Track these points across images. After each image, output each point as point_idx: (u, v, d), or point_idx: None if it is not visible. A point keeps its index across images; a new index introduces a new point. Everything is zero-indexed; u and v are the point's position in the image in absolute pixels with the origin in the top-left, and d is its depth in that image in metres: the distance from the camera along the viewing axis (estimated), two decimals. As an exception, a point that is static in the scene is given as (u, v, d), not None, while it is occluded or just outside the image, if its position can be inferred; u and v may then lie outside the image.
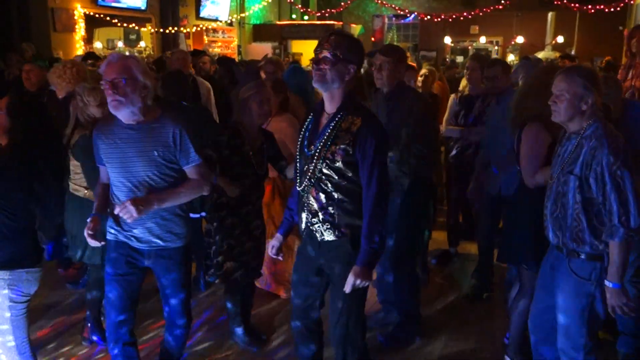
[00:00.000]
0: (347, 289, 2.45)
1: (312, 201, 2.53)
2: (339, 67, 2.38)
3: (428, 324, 3.96)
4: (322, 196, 2.49)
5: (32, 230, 2.68)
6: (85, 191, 3.38)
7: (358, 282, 2.43)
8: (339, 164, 2.43)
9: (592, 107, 2.47)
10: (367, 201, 2.43)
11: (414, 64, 6.49)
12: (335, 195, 2.47)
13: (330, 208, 2.49)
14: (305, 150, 2.54)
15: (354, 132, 2.40)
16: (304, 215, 2.59)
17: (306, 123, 2.61)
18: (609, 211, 2.41)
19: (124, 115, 2.59)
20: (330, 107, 2.49)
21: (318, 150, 2.45)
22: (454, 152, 4.85)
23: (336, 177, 2.45)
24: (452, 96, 5.04)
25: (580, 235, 2.53)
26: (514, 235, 3.19)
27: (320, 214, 2.52)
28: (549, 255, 2.78)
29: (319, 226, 2.54)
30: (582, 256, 2.54)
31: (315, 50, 2.44)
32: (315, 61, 2.42)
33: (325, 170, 2.46)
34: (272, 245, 2.86)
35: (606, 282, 2.46)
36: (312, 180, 2.50)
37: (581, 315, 2.58)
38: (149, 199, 2.61)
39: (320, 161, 2.45)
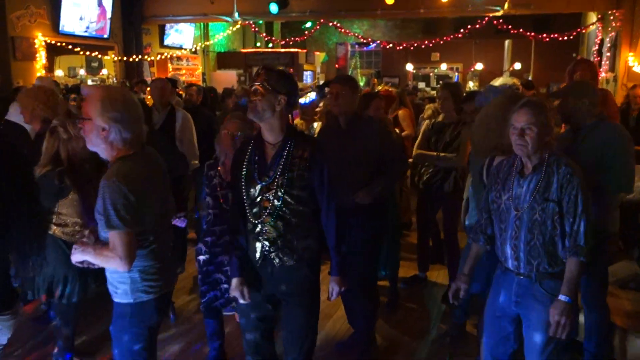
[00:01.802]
0: (333, 297, 2.72)
1: (270, 230, 2.58)
2: (268, 97, 2.51)
3: (396, 348, 3.97)
4: (280, 224, 2.57)
5: (3, 277, 2.50)
6: (55, 228, 3.23)
7: (339, 289, 2.70)
8: (296, 191, 2.55)
9: (552, 137, 2.62)
10: (329, 218, 2.63)
11: (392, 90, 6.64)
12: (293, 220, 2.58)
13: (288, 234, 2.59)
14: (258, 180, 2.58)
15: (306, 158, 2.56)
16: (258, 245, 2.62)
17: (247, 155, 2.64)
18: (575, 231, 2.54)
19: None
20: (272, 138, 2.60)
21: (276, 179, 2.53)
22: (424, 177, 4.92)
23: (293, 203, 2.56)
24: (426, 122, 5.15)
25: (554, 258, 2.62)
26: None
27: (278, 241, 2.59)
28: (504, 286, 2.79)
29: (276, 253, 2.60)
30: (556, 276, 2.62)
31: (248, 86, 2.55)
32: (248, 94, 2.58)
33: (286, 198, 2.54)
34: (235, 294, 2.71)
35: (561, 297, 2.55)
36: (270, 209, 2.55)
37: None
38: (83, 246, 2.44)
39: (280, 189, 2.53)
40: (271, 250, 2.61)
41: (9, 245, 2.45)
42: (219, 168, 3.52)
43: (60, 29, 11.80)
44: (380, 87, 5.86)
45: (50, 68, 12.09)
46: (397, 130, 5.94)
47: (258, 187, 2.57)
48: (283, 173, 2.54)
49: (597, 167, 3.28)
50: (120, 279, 2.46)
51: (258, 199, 2.58)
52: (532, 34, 13.74)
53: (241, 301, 2.71)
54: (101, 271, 2.51)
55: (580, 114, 3.41)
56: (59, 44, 11.80)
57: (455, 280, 2.96)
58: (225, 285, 3.49)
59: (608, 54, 11.79)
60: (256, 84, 2.54)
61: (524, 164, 2.69)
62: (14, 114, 4.48)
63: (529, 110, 2.58)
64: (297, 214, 2.58)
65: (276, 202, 2.55)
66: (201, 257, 3.56)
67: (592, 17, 13.23)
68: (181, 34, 15.73)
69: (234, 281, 2.70)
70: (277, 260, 2.61)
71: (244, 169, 2.63)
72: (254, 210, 2.60)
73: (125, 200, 2.27)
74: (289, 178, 2.54)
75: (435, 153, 4.77)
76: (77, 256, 2.42)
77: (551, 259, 2.63)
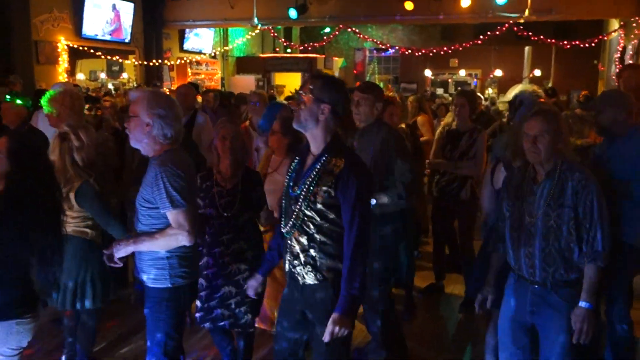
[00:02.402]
0: (326, 337, 2.35)
1: (294, 243, 2.49)
2: (311, 107, 2.41)
3: (412, 357, 3.95)
4: (304, 238, 2.46)
5: (25, 278, 2.52)
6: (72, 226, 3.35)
7: (337, 330, 2.32)
8: (320, 206, 2.41)
9: (564, 145, 2.65)
10: (348, 244, 2.38)
11: (396, 96, 6.61)
12: (317, 237, 2.44)
13: (311, 250, 2.45)
14: (290, 191, 2.53)
15: (336, 174, 2.39)
16: (287, 258, 2.56)
17: (293, 164, 2.61)
18: (592, 237, 2.56)
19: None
20: (314, 148, 2.50)
21: (302, 192, 2.44)
22: (440, 185, 4.90)
23: (318, 219, 2.42)
24: (439, 129, 5.13)
25: (570, 265, 2.62)
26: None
27: (301, 256, 2.47)
28: (518, 295, 2.79)
29: (300, 269, 2.49)
30: (572, 283, 2.63)
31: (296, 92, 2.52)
32: (295, 104, 2.51)
33: (307, 212, 2.43)
34: (250, 285, 2.83)
35: (582, 304, 2.57)
36: (296, 222, 2.47)
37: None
38: (127, 241, 2.69)
39: (304, 203, 2.43)
40: (295, 264, 2.51)
41: (30, 249, 2.48)
42: (216, 177, 3.44)
43: (83, 33, 11.97)
44: (390, 94, 5.83)
45: (71, 72, 12.27)
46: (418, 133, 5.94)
47: (290, 197, 2.52)
48: (310, 187, 2.43)
49: (633, 176, 3.28)
50: (159, 265, 2.69)
51: (288, 210, 2.53)
52: (553, 40, 13.61)
53: (251, 295, 2.83)
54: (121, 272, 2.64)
55: (617, 125, 3.41)
56: (81, 47, 11.97)
57: (481, 290, 2.97)
58: (235, 300, 3.40)
59: (630, 61, 11.64)
60: (300, 92, 2.47)
61: (536, 171, 2.70)
62: (40, 120, 4.57)
63: (541, 118, 2.62)
64: (323, 230, 2.43)
65: (301, 215, 2.45)
66: (209, 271, 3.42)
67: (614, 24, 13.07)
68: (200, 39, 15.87)
69: (254, 275, 2.84)
70: (299, 277, 2.50)
71: (287, 177, 2.59)
72: (283, 219, 2.56)
73: (182, 182, 2.58)
74: (314, 193, 2.41)
75: (452, 162, 4.75)
76: (122, 251, 2.67)
77: (567, 266, 2.62)
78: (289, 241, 2.53)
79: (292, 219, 2.47)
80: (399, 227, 3.69)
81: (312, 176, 2.42)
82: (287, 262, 2.57)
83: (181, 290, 2.76)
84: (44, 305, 4.37)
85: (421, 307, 4.88)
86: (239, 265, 3.42)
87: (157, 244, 2.65)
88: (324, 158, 2.43)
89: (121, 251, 2.69)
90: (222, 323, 3.44)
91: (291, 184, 2.54)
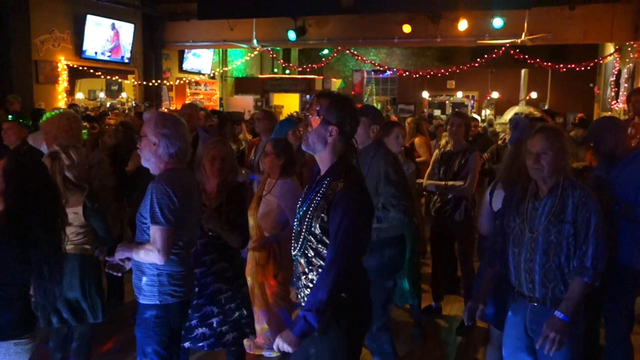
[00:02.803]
0: (274, 347, 2.33)
1: (298, 265, 2.47)
2: (318, 129, 2.33)
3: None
4: (303, 261, 2.42)
5: (24, 298, 2.51)
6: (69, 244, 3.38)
7: (280, 344, 2.29)
8: (317, 230, 2.35)
9: (567, 162, 2.68)
10: (324, 274, 2.28)
11: (395, 118, 6.66)
12: (314, 261, 2.38)
13: (310, 274, 2.40)
14: (297, 211, 2.50)
15: (330, 199, 2.31)
16: (294, 279, 2.55)
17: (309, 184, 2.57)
18: (583, 252, 2.57)
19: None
20: (322, 170, 2.43)
21: (303, 216, 2.42)
22: (436, 205, 4.91)
23: (315, 243, 2.37)
24: (436, 152, 5.15)
25: (569, 280, 2.62)
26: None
27: (302, 278, 2.44)
28: (518, 314, 2.79)
29: (302, 291, 2.45)
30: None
31: (303, 114, 2.47)
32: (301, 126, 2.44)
33: (307, 236, 2.39)
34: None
35: (557, 313, 2.56)
36: (296, 242, 2.45)
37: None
38: (124, 246, 2.80)
39: (304, 226, 2.40)
40: (299, 286, 2.48)
41: (29, 268, 2.47)
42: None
43: (83, 53, 12.06)
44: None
45: (71, 91, 12.34)
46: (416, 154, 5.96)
47: (297, 219, 2.49)
48: (307, 211, 2.38)
49: (638, 200, 3.30)
50: (149, 281, 2.73)
51: (297, 232, 2.48)
52: (549, 63, 13.75)
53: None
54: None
55: (619, 149, 3.47)
56: (80, 67, 12.05)
57: (471, 300, 2.91)
58: (217, 319, 3.39)
59: (626, 85, 11.75)
60: (307, 113, 2.38)
61: (539, 187, 2.72)
62: (37, 140, 4.57)
63: (544, 135, 2.65)
64: (321, 255, 2.36)
65: (301, 236, 2.42)
66: None
67: (610, 47, 13.24)
68: (199, 59, 15.99)
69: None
70: (302, 300, 2.43)
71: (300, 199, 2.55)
72: (294, 241, 2.50)
73: (169, 202, 2.60)
74: (311, 217, 2.36)
75: (443, 182, 4.76)
76: (121, 253, 2.76)
77: (567, 282, 2.63)
78: (295, 262, 2.51)
79: (299, 241, 2.45)
80: (394, 253, 3.64)
81: (311, 200, 2.39)
82: (294, 283, 2.56)
83: (170, 308, 2.76)
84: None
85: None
86: (221, 285, 3.42)
87: (138, 255, 2.70)
88: (325, 182, 2.37)
89: (119, 252, 2.76)
90: (201, 344, 3.42)
91: (299, 205, 2.51)
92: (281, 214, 3.86)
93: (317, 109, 2.34)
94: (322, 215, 2.32)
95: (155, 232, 2.62)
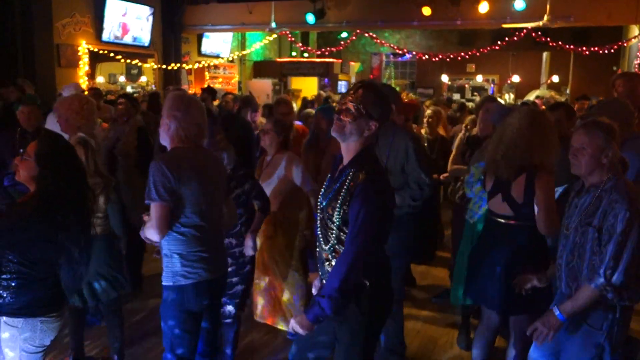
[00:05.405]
0: (290, 329, 2.52)
1: (321, 252, 2.50)
2: (360, 122, 2.31)
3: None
4: (326, 247, 2.45)
5: (54, 278, 2.58)
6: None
7: (294, 325, 2.42)
8: (337, 221, 2.37)
9: (611, 160, 2.50)
10: (340, 261, 2.32)
11: (414, 99, 6.62)
12: (337, 248, 2.40)
13: (333, 261, 2.41)
14: (321, 200, 2.52)
15: (352, 191, 2.31)
16: (318, 264, 2.58)
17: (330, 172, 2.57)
18: (601, 260, 2.43)
19: None
20: (346, 160, 2.42)
21: (325, 205, 2.44)
22: (460, 192, 4.88)
23: (337, 231, 2.39)
24: (460, 135, 5.12)
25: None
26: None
27: (325, 264, 2.47)
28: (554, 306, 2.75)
29: (325, 277, 2.47)
30: (597, 306, 2.51)
31: (340, 100, 2.42)
32: (338, 111, 2.35)
33: (329, 224, 2.41)
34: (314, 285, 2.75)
35: (555, 309, 2.53)
36: (320, 230, 2.49)
37: None
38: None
39: (326, 213, 2.43)
40: (322, 272, 2.51)
41: (59, 249, 2.54)
42: None
43: (103, 37, 12.14)
44: (428, 112, 5.85)
45: (92, 75, 12.45)
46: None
47: (320, 207, 2.51)
48: (330, 200, 2.40)
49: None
50: (167, 262, 2.78)
51: (319, 218, 2.51)
52: (572, 46, 13.52)
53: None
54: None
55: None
56: (101, 51, 12.14)
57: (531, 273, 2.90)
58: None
59: (651, 68, 11.54)
60: (350, 102, 2.33)
61: (584, 184, 2.65)
62: (51, 123, 4.63)
63: (584, 130, 2.56)
64: (343, 243, 2.37)
65: (325, 225, 2.44)
66: None
67: (634, 30, 12.96)
68: (218, 43, 16.00)
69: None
70: None
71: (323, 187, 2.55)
72: (318, 227, 2.53)
73: (163, 178, 2.61)
74: (332, 207, 2.37)
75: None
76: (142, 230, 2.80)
77: None
78: (318, 249, 2.54)
79: (323, 230, 2.47)
80: (404, 235, 3.59)
81: (337, 192, 2.38)
82: (319, 269, 2.59)
83: (185, 289, 2.76)
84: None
85: (434, 309, 4.93)
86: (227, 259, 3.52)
87: (146, 232, 2.75)
88: (348, 172, 2.36)
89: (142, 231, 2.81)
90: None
91: (323, 192, 2.52)
92: (280, 184, 4.06)
93: (361, 100, 2.31)
94: (345, 207, 2.34)
95: (152, 209, 2.66)
